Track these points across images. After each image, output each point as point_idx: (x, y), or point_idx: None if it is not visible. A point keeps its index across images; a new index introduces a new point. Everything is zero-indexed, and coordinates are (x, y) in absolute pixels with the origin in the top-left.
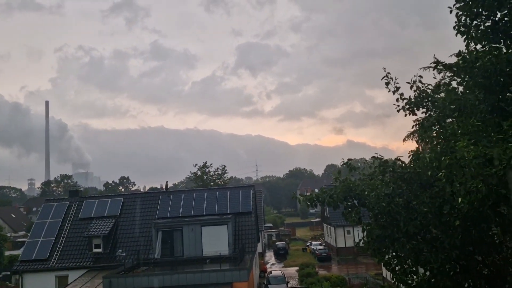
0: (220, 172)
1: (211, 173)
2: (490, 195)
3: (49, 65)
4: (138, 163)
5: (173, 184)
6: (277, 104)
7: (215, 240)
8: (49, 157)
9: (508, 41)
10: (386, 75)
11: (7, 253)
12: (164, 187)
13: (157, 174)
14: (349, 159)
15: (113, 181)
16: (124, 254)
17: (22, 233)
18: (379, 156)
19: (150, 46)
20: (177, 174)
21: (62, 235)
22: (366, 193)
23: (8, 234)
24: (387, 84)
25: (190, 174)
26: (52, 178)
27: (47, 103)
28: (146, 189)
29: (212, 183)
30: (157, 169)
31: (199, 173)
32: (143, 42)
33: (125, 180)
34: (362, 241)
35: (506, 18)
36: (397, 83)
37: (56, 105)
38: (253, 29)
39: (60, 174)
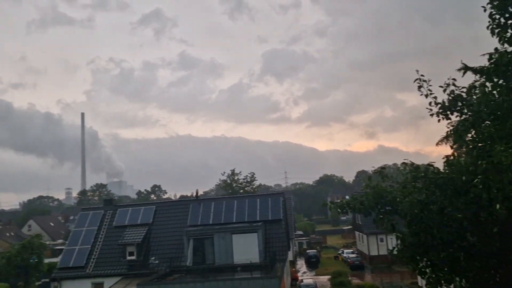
0: (249, 180)
1: (240, 180)
2: None
3: (82, 78)
4: (168, 171)
5: (203, 192)
6: (304, 110)
7: (246, 248)
8: (85, 167)
9: None
10: (419, 78)
11: (46, 260)
12: (194, 195)
13: (187, 182)
14: (381, 168)
15: (145, 190)
16: (157, 262)
17: (60, 241)
18: (411, 162)
19: (178, 56)
20: (206, 181)
21: (98, 243)
22: (398, 199)
23: (47, 242)
24: (419, 87)
25: (219, 182)
26: (87, 187)
27: (82, 114)
28: (177, 197)
29: (241, 191)
30: (187, 177)
31: (228, 180)
32: (170, 52)
33: (156, 189)
34: (395, 249)
35: None
36: (430, 85)
37: (89, 116)
38: (278, 35)
39: (96, 183)
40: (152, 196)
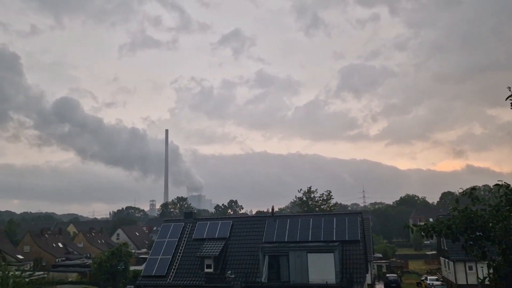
0: (325, 198)
1: (316, 198)
2: None
3: (166, 96)
4: (245, 187)
5: (278, 209)
6: (384, 127)
7: (322, 268)
8: (168, 180)
9: None
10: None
11: (131, 268)
12: (270, 211)
13: (263, 198)
14: (472, 188)
15: (222, 204)
16: (233, 276)
17: (144, 250)
18: (505, 183)
19: (255, 74)
20: (282, 198)
21: (178, 254)
22: (490, 224)
23: (133, 251)
24: None
25: (295, 199)
26: (169, 200)
27: (166, 131)
28: (253, 213)
29: (317, 209)
30: (263, 193)
31: (304, 198)
32: (248, 70)
33: (233, 203)
34: (487, 278)
35: None
36: None
37: (172, 132)
38: (356, 50)
39: (177, 197)
40: (229, 210)
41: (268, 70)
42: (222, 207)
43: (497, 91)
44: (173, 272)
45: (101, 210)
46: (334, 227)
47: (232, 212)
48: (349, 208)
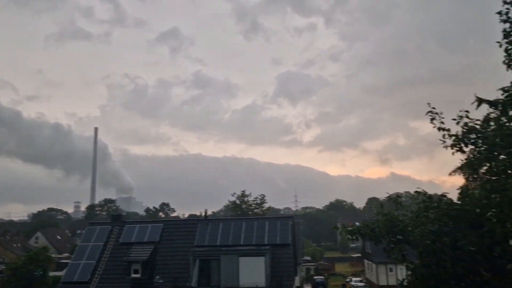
0: (258, 202)
1: (250, 202)
2: None
3: (97, 92)
4: (178, 189)
5: (212, 212)
6: (317, 134)
7: (252, 271)
8: (95, 181)
9: None
10: (431, 110)
11: (51, 273)
12: (203, 214)
13: (196, 201)
14: (397, 196)
15: (154, 207)
16: (161, 281)
17: (66, 254)
18: (423, 191)
19: (193, 75)
20: (216, 202)
21: (103, 259)
22: (410, 229)
23: (53, 255)
24: (432, 119)
25: (228, 203)
26: (96, 202)
27: (96, 129)
28: (185, 216)
29: (250, 213)
30: (196, 196)
31: (237, 202)
32: (185, 70)
33: (165, 206)
34: (405, 280)
35: None
36: (442, 117)
37: (102, 130)
38: (293, 57)
39: (104, 198)
40: (161, 213)
41: (206, 71)
42: (153, 210)
43: (419, 105)
44: (97, 278)
45: (18, 211)
46: (266, 231)
47: (163, 215)
48: (282, 212)
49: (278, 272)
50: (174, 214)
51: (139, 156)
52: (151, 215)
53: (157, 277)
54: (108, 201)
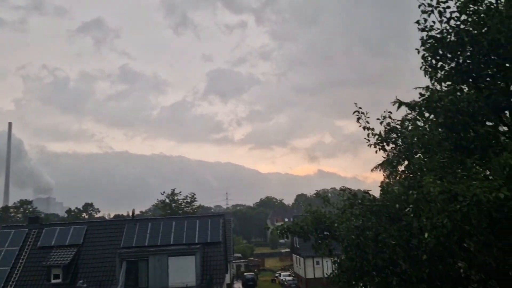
0: (189, 200)
1: (180, 201)
2: (455, 231)
3: (10, 84)
4: (103, 189)
5: (140, 212)
6: (248, 132)
7: (182, 271)
8: (8, 181)
9: (470, 83)
10: (357, 110)
11: None
12: (130, 214)
13: (123, 201)
14: (325, 196)
15: (76, 208)
16: (85, 286)
17: None
18: (348, 188)
19: (119, 69)
20: (144, 201)
21: (19, 264)
22: (336, 225)
23: None
24: (358, 119)
25: (157, 202)
26: (10, 203)
27: (10, 124)
28: (111, 217)
29: (180, 211)
30: (123, 196)
31: (167, 200)
32: (111, 64)
33: (89, 207)
34: (332, 273)
35: (468, 61)
36: (368, 117)
37: (16, 126)
38: (224, 55)
39: (20, 199)
40: (84, 214)
41: (133, 66)
42: (76, 210)
43: (344, 105)
44: (11, 285)
45: None
46: (197, 229)
47: (87, 216)
48: (213, 210)
49: (208, 270)
50: (98, 215)
51: (59, 154)
52: (73, 216)
53: (80, 281)
54: (24, 202)
